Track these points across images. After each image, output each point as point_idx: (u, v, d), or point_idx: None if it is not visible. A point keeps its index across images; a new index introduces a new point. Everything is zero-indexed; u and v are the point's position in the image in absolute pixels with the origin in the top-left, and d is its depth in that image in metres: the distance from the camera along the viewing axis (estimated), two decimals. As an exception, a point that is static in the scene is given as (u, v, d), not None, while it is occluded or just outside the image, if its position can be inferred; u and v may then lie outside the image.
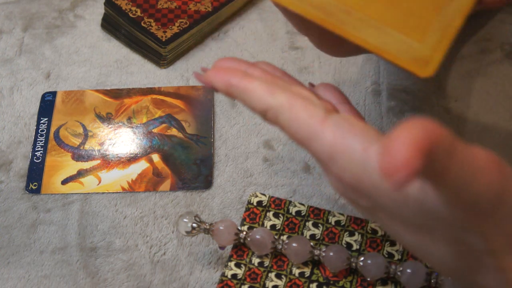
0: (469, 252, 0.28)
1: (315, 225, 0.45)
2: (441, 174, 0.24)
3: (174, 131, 0.52)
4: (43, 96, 0.55)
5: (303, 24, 0.38)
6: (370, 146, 0.28)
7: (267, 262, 0.44)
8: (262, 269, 0.43)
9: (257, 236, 0.43)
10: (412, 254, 0.40)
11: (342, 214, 0.45)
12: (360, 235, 0.44)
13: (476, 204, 0.25)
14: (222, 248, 0.44)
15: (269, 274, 0.43)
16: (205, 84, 0.32)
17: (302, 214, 0.46)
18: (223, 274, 0.43)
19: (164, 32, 0.57)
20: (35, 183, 0.49)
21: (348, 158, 0.28)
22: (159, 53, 0.56)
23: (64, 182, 0.49)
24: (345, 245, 0.44)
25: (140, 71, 0.57)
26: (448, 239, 0.29)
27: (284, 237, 0.44)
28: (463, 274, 0.30)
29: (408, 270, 0.41)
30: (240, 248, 0.44)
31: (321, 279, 0.43)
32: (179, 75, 0.56)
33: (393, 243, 0.44)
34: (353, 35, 0.33)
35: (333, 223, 0.45)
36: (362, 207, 0.32)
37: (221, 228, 0.43)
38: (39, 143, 0.52)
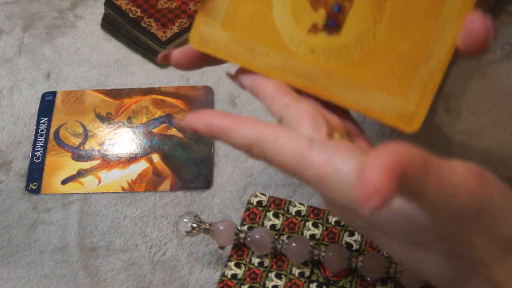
0: (462, 264, 0.29)
1: (315, 225, 0.45)
2: (420, 192, 0.25)
3: (174, 131, 0.52)
4: (43, 96, 0.55)
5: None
6: (355, 167, 0.28)
7: (267, 262, 0.44)
8: (262, 269, 0.43)
9: (257, 236, 0.43)
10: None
11: (342, 214, 0.45)
12: (360, 235, 0.44)
13: (459, 216, 0.26)
14: (222, 248, 0.44)
15: (269, 274, 0.43)
16: (186, 129, 0.32)
17: (302, 214, 0.46)
18: (223, 274, 0.43)
19: (164, 32, 0.57)
20: (35, 183, 0.49)
21: (336, 180, 0.28)
22: (159, 53, 0.56)
23: (64, 182, 0.49)
24: (345, 245, 0.44)
25: (140, 71, 0.57)
26: (442, 253, 0.29)
27: (284, 237, 0.44)
28: (458, 285, 0.31)
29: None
30: (240, 248, 0.44)
31: (321, 279, 0.43)
32: (179, 75, 0.56)
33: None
34: (338, 98, 0.34)
35: (333, 223, 0.45)
36: (358, 225, 0.33)
37: (221, 228, 0.43)
38: (39, 143, 0.52)
